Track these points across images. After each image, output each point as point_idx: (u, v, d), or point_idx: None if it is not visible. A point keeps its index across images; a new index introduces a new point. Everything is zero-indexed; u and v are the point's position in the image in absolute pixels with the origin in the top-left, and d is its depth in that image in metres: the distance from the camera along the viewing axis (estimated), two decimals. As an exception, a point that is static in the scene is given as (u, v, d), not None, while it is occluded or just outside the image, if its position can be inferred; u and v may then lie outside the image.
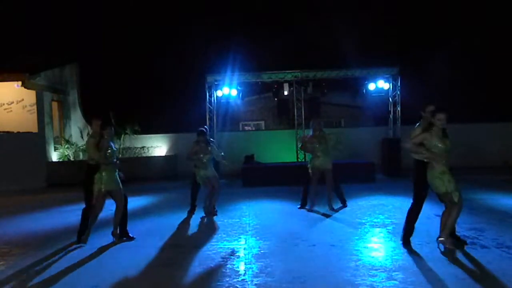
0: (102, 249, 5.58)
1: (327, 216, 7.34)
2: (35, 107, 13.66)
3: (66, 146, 14.51)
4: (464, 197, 5.06)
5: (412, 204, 5.30)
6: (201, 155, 7.43)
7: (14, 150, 12.63)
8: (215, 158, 7.68)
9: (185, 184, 8.30)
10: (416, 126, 5.30)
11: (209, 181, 7.58)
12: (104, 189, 5.77)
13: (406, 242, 5.26)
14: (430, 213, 6.51)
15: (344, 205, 8.00)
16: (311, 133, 7.82)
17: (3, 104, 14.01)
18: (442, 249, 4.99)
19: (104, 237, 6.06)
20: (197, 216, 7.61)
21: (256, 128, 21.58)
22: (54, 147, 14.37)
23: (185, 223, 7.26)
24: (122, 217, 6.02)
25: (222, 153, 7.74)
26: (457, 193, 4.81)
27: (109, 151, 5.77)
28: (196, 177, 7.65)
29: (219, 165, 8.60)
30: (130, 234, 6.10)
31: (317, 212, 7.62)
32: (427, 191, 5.18)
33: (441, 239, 5.03)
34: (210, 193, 7.70)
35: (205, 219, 7.41)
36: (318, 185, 7.81)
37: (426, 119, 5.11)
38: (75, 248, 5.67)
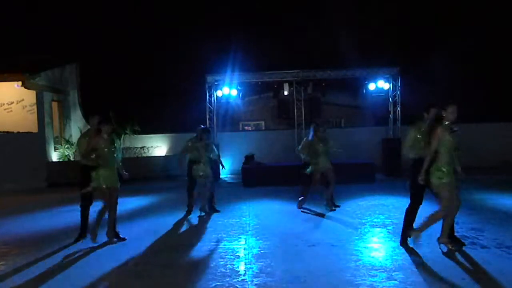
0: (101, 249, 5.58)
1: (327, 216, 7.35)
2: (35, 107, 13.66)
3: (66, 146, 14.51)
4: (464, 197, 5.07)
5: (410, 204, 5.33)
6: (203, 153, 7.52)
7: (14, 150, 12.62)
8: (211, 157, 7.72)
9: (184, 184, 8.31)
10: (410, 129, 5.32)
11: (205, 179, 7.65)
12: (105, 185, 5.72)
13: (403, 241, 5.28)
14: (430, 213, 6.50)
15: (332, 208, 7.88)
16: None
17: (3, 104, 14.02)
18: (444, 250, 4.99)
19: (103, 237, 6.05)
20: (196, 216, 7.60)
21: (256, 128, 21.56)
22: (54, 147, 14.36)
23: (185, 223, 7.26)
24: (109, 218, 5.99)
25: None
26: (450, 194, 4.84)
27: (98, 150, 5.68)
28: (192, 173, 7.65)
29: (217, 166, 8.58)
30: (120, 235, 6.05)
31: (317, 213, 7.62)
32: (424, 190, 5.19)
33: (442, 239, 5.03)
34: (204, 192, 7.73)
35: (205, 219, 7.40)
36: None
37: (426, 121, 5.14)
38: (74, 248, 5.67)
